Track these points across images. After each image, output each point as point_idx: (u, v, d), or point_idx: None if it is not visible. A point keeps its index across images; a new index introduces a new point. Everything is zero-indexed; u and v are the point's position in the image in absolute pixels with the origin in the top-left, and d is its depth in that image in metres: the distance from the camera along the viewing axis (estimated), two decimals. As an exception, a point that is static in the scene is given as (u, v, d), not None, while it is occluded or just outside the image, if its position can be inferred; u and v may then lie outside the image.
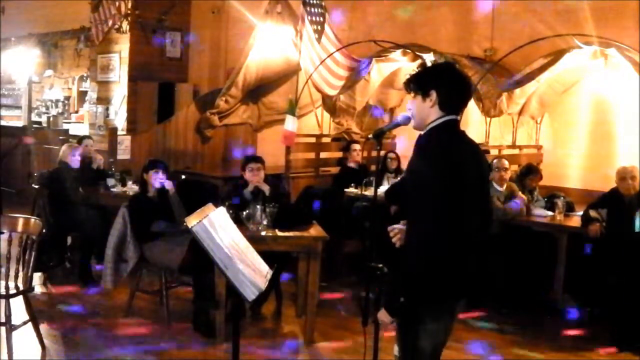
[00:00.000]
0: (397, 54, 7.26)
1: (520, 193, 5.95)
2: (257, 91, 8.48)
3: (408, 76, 2.69)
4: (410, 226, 2.61)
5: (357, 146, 7.55)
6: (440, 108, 2.58)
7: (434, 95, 2.58)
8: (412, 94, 2.66)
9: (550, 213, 6.00)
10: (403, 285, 2.53)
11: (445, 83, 2.60)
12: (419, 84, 2.64)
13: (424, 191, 2.48)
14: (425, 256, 2.45)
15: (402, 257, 2.53)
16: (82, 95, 11.33)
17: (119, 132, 8.24)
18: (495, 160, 6.01)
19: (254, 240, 3.54)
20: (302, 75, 7.31)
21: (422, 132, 2.64)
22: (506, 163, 6.01)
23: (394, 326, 2.66)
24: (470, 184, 2.51)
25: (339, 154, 7.93)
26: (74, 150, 6.44)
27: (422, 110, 2.62)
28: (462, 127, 2.69)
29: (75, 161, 6.37)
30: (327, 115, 8.03)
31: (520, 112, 7.21)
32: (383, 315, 2.61)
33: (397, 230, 2.74)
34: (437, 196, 2.43)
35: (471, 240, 2.52)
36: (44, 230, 4.27)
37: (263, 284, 2.86)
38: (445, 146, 2.52)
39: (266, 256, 3.21)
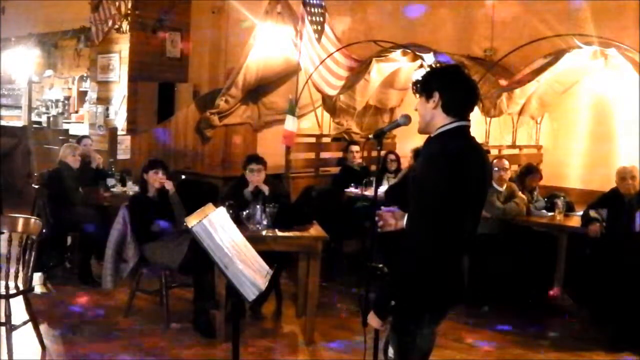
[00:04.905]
0: (397, 54, 7.26)
1: (520, 193, 5.95)
2: (257, 91, 8.49)
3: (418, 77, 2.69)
4: (409, 229, 2.61)
5: (355, 147, 7.54)
6: (444, 111, 2.56)
7: (436, 96, 2.56)
8: (418, 95, 2.66)
9: (550, 213, 6.01)
10: (397, 287, 2.55)
11: (448, 85, 2.58)
12: (423, 84, 2.63)
13: (427, 196, 2.46)
14: (421, 260, 2.46)
15: (400, 259, 2.54)
16: (82, 95, 11.32)
17: (119, 132, 8.23)
18: (495, 160, 6.01)
19: (254, 240, 3.54)
20: (302, 75, 7.31)
21: (430, 135, 2.62)
22: (506, 163, 6.01)
23: (387, 328, 2.67)
24: (473, 193, 2.52)
25: (339, 154, 7.94)
26: (73, 150, 6.44)
27: (426, 112, 2.61)
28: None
29: (75, 161, 6.37)
30: (327, 115, 8.03)
31: (520, 112, 7.22)
32: (372, 319, 2.61)
33: (383, 215, 2.74)
34: (440, 203, 2.42)
35: (463, 246, 2.56)
36: (44, 230, 4.27)
37: (263, 284, 2.86)
38: (455, 154, 2.48)
39: (266, 256, 3.21)
